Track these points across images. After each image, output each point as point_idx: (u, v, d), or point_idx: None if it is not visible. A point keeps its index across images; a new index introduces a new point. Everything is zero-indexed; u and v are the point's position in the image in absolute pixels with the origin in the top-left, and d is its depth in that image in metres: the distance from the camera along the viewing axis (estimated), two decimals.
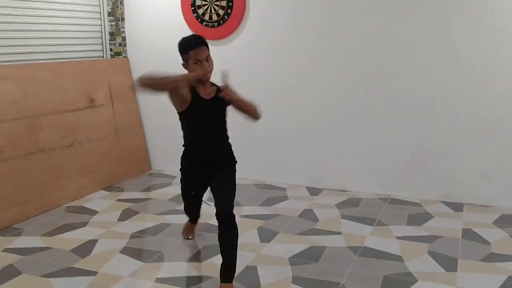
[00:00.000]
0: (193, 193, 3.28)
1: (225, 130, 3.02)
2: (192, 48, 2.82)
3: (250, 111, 2.92)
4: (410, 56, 4.29)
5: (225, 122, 3.00)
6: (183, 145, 3.06)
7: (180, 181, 3.30)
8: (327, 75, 4.60)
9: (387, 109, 4.44)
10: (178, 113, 2.93)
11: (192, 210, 3.46)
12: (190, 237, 3.57)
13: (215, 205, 2.82)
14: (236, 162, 3.07)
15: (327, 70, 4.59)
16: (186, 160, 3.08)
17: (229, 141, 3.06)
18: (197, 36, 2.95)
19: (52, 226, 3.86)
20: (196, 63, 2.81)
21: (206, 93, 2.90)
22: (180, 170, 3.19)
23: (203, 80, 2.82)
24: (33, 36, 4.52)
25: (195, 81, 2.79)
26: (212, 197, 2.98)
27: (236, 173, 3.04)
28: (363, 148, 4.58)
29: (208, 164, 2.97)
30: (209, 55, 2.86)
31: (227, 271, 2.82)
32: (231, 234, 2.79)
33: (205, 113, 2.88)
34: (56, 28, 4.73)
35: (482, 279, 2.96)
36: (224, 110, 2.95)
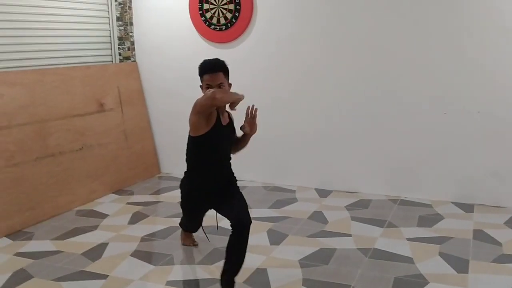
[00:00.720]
0: (196, 216, 3.23)
1: (230, 153, 3.07)
2: (206, 72, 2.82)
3: (242, 147, 3.08)
4: (419, 56, 4.27)
5: (231, 146, 3.06)
6: (188, 170, 3.02)
7: (182, 205, 3.17)
8: (335, 76, 4.59)
9: (396, 110, 4.42)
10: (196, 136, 2.85)
11: (194, 228, 3.42)
12: (196, 243, 3.54)
13: (232, 215, 2.80)
14: (237, 180, 3.11)
15: (335, 71, 4.59)
16: (195, 184, 2.99)
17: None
18: (216, 61, 2.88)
19: (62, 230, 3.88)
20: (208, 87, 2.80)
21: (223, 119, 2.91)
22: (184, 195, 3.08)
23: (234, 105, 2.79)
24: (42, 41, 4.55)
25: (233, 104, 2.77)
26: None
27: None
28: (373, 149, 4.56)
29: (219, 186, 2.97)
30: (223, 82, 2.83)
31: (232, 277, 2.81)
32: (243, 245, 2.77)
33: (222, 138, 2.90)
34: (64, 33, 4.77)
35: (493, 280, 2.94)
36: (234, 137, 3.02)
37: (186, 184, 3.04)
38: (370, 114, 4.51)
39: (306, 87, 4.73)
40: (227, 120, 2.96)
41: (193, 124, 2.83)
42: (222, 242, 3.50)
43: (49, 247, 3.55)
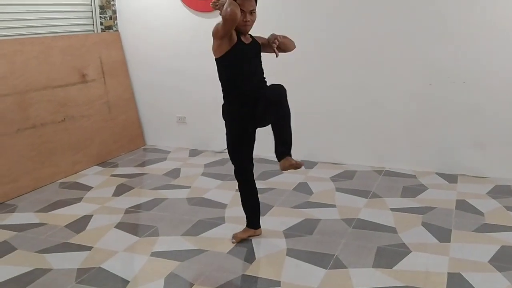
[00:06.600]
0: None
1: (261, 71, 3.14)
2: None
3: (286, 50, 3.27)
4: (404, 26, 4.24)
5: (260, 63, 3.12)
6: (225, 97, 3.00)
7: (231, 141, 3.11)
8: (319, 47, 4.55)
9: (381, 81, 4.41)
10: (221, 56, 2.87)
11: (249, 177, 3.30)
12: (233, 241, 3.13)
13: (266, 95, 2.95)
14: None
15: (319, 41, 4.53)
16: (235, 106, 2.99)
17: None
18: None
19: (46, 202, 3.85)
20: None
21: (245, 39, 2.95)
22: (229, 121, 3.03)
23: (242, 30, 2.87)
24: (21, 10, 4.42)
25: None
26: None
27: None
28: (357, 120, 4.56)
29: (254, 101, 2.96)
30: (255, 9, 2.87)
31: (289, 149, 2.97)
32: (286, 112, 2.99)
33: (247, 54, 2.95)
34: (44, 1, 4.62)
35: (475, 249, 2.98)
36: (260, 54, 3.09)
37: (228, 111, 3.00)
38: (355, 86, 4.49)
39: (291, 59, 4.65)
40: (250, 39, 2.98)
41: (217, 47, 2.85)
42: (206, 213, 3.52)
43: (32, 219, 3.52)
